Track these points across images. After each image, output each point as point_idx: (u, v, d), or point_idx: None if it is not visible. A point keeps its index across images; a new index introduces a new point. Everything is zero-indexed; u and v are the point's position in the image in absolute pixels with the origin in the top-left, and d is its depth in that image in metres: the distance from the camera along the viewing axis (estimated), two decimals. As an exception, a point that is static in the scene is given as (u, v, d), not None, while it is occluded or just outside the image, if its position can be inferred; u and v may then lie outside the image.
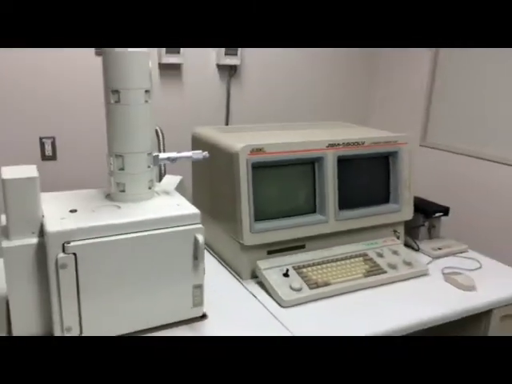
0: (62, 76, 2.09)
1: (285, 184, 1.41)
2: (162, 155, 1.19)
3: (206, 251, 1.60)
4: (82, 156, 2.13)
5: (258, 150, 1.35)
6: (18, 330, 0.99)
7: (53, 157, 2.12)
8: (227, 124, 2.50)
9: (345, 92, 2.79)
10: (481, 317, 1.35)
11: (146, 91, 1.11)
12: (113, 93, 1.08)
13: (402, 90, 2.68)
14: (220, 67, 2.50)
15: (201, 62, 2.42)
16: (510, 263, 1.55)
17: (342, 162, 1.48)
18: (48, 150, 2.08)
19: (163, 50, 2.28)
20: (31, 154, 2.05)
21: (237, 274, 1.41)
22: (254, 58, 2.50)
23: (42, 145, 2.09)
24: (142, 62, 1.09)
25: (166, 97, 2.37)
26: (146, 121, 1.12)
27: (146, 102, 1.11)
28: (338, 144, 1.47)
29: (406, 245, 1.65)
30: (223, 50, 2.43)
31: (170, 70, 2.34)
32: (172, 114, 2.43)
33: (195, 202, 1.67)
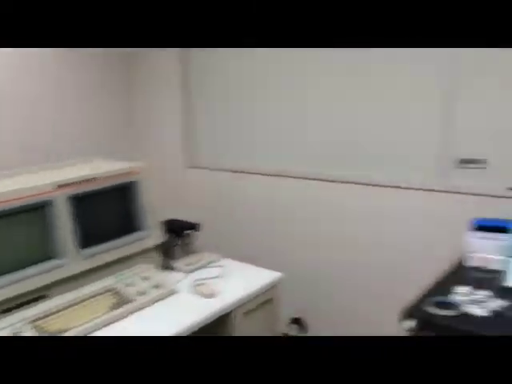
0: None
1: (5, 237, 1.32)
2: None
3: None
4: None
5: (-35, 206, 1.24)
6: None
7: None
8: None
9: (103, 120, 2.72)
10: (227, 317, 1.47)
11: None
12: None
13: (162, 112, 2.72)
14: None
15: None
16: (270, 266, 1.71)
17: (78, 201, 1.47)
18: None
19: None
20: None
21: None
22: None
23: None
24: None
25: None
26: None
27: None
28: (68, 184, 1.45)
29: (166, 266, 1.71)
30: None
31: None
32: None
33: None
